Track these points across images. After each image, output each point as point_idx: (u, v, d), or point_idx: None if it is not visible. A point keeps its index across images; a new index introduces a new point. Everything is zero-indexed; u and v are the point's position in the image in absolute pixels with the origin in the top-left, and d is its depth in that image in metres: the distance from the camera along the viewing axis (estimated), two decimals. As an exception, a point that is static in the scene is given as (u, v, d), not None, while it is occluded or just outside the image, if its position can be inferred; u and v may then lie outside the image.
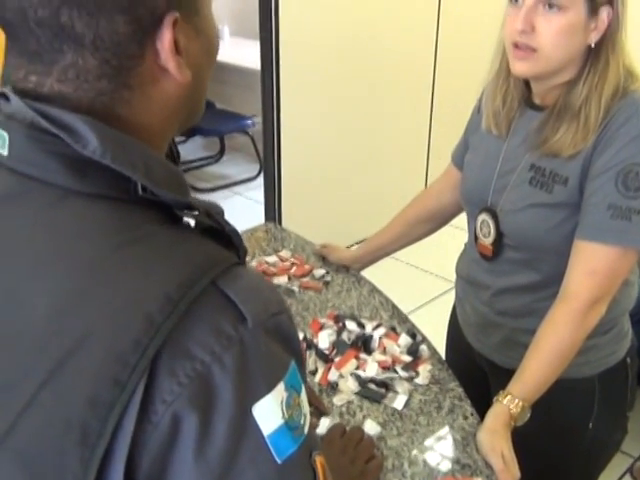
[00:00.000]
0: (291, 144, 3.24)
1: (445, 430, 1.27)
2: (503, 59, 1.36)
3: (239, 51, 4.80)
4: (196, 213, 0.65)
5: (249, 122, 4.63)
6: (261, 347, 0.58)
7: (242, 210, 4.18)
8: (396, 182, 3.73)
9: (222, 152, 5.09)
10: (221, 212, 0.67)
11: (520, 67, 1.27)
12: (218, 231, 0.65)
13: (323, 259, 1.82)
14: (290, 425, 0.59)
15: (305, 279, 1.73)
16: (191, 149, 5.01)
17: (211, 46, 0.69)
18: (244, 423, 0.56)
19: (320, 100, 3.36)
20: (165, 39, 0.61)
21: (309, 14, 3.14)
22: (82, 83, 0.61)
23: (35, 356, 0.55)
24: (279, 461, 0.58)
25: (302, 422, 0.61)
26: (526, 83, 1.37)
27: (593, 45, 1.25)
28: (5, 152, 0.61)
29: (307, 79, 3.24)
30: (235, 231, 0.67)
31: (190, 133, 4.71)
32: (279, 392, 0.58)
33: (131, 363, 0.53)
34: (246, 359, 0.57)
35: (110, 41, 0.59)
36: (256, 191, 4.18)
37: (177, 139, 4.64)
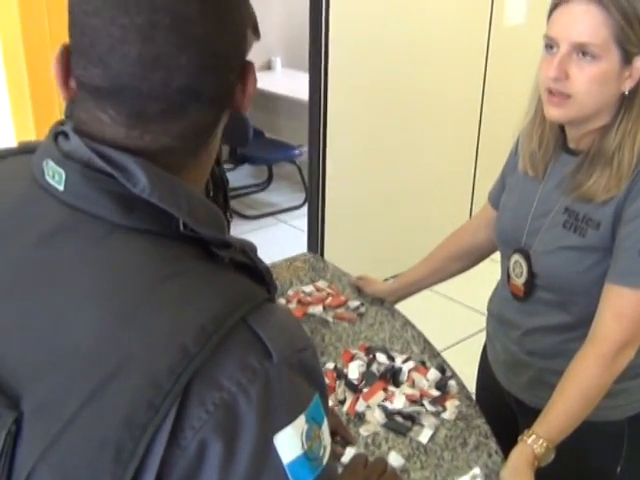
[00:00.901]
0: (336, 175, 3.29)
1: (477, 470, 1.27)
2: (539, 103, 1.38)
3: (290, 82, 4.90)
4: (231, 250, 0.69)
5: (297, 152, 4.71)
6: (284, 381, 0.62)
7: (286, 238, 4.26)
8: (440, 217, 3.73)
9: (270, 180, 5.18)
10: (254, 250, 0.72)
11: (554, 113, 1.30)
12: (251, 267, 0.70)
13: (359, 291, 1.85)
14: (309, 456, 0.62)
15: (340, 310, 1.76)
16: (239, 176, 5.11)
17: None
18: (265, 451, 0.60)
19: (366, 133, 3.41)
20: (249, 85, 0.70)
21: (358, 48, 3.20)
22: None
23: (79, 377, 0.59)
24: None
25: (321, 453, 0.64)
26: (561, 127, 1.40)
27: (627, 93, 1.27)
28: (61, 187, 0.66)
29: (354, 112, 3.30)
30: (267, 268, 0.71)
31: (239, 161, 4.82)
32: (300, 424, 0.62)
33: (165, 388, 0.57)
34: (270, 392, 0.60)
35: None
36: (301, 220, 4.24)
37: (226, 166, 4.73)
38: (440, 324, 2.91)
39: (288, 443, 0.61)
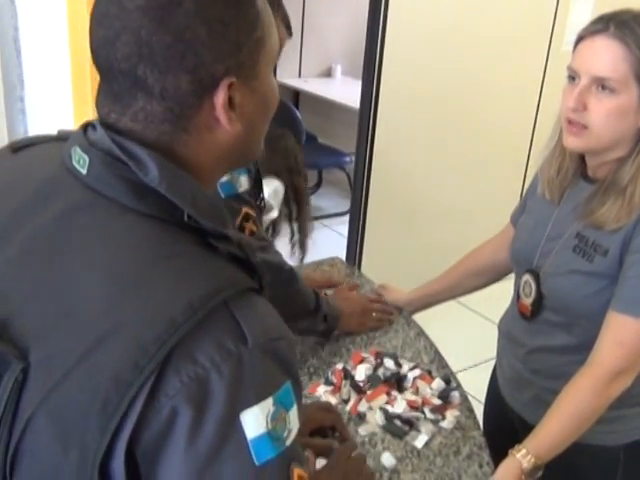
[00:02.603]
0: (381, 184, 3.34)
1: None
2: (561, 132, 1.42)
3: (347, 90, 4.98)
4: (228, 242, 0.76)
5: (347, 159, 4.78)
6: (256, 365, 0.69)
7: (328, 243, 4.28)
8: (482, 235, 3.74)
9: (319, 185, 5.25)
10: (251, 245, 0.79)
11: (572, 142, 1.34)
12: (244, 261, 0.77)
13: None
14: (272, 435, 0.69)
15: (358, 314, 1.82)
16: (290, 179, 5.19)
17: (266, 105, 0.82)
18: (231, 425, 0.67)
19: (414, 145, 3.44)
20: (220, 97, 0.75)
21: (413, 62, 3.23)
22: (149, 124, 0.75)
23: (79, 335, 0.68)
24: (257, 463, 0.68)
25: (285, 435, 0.71)
26: (581, 156, 1.44)
27: (644, 127, 1.30)
28: (84, 171, 0.76)
29: (404, 123, 3.32)
30: (259, 263, 0.79)
31: (290, 164, 4.91)
32: (267, 405, 0.68)
33: (151, 352, 0.65)
34: (241, 372, 0.67)
35: (174, 94, 0.74)
36: (345, 226, 4.31)
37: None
38: (475, 341, 2.94)
39: (253, 420, 0.67)
